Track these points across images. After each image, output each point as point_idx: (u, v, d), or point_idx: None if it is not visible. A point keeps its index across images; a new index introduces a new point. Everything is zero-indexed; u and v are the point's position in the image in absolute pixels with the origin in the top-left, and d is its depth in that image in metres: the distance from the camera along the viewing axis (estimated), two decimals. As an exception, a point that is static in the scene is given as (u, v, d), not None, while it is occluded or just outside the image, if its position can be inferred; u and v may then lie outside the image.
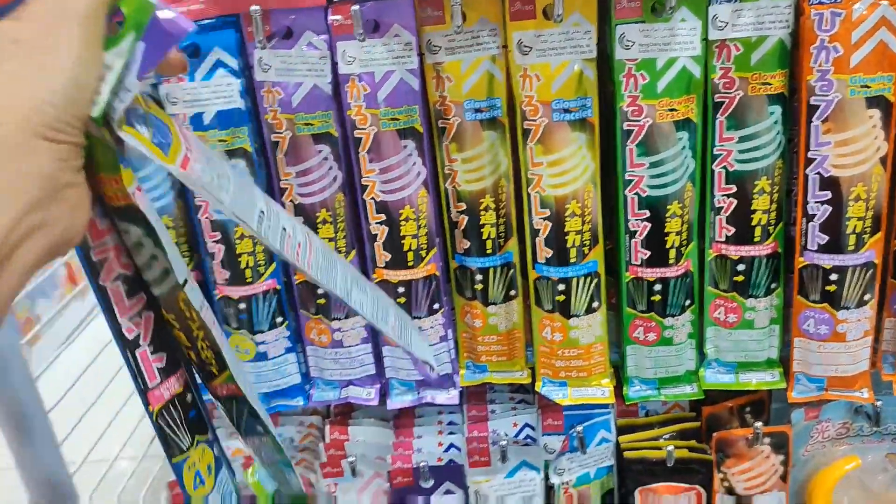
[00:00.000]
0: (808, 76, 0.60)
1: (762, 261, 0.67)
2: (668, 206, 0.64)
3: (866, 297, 0.65)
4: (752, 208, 0.65)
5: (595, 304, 0.70)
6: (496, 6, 0.61)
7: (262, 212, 0.40)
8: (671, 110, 0.61)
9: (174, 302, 0.41)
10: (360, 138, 0.65)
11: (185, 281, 0.40)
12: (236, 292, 0.71)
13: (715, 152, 0.64)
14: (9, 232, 0.28)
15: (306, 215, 0.69)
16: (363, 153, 0.65)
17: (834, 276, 0.65)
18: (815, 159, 0.62)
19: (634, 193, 0.64)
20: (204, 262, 0.71)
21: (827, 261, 0.64)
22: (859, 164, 0.61)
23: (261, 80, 0.64)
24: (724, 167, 0.64)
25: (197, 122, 0.64)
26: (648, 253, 0.66)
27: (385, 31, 0.62)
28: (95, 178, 0.35)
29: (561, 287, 0.69)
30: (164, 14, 0.33)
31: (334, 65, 0.63)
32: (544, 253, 0.68)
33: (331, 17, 0.61)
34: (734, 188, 0.65)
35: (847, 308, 0.65)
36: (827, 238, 0.63)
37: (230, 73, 0.63)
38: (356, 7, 0.56)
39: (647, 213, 0.65)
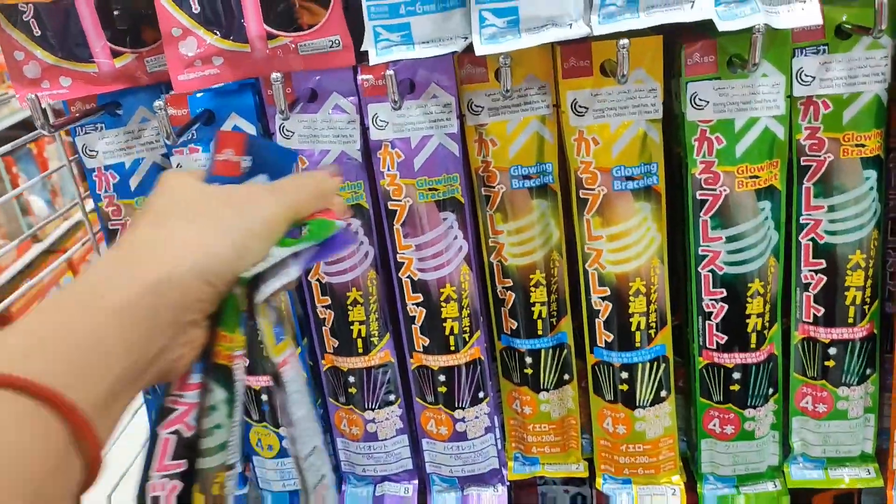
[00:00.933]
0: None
1: (856, 345, 0.59)
2: (749, 285, 0.57)
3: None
4: (845, 285, 0.57)
5: (663, 394, 0.62)
6: (545, 62, 0.55)
7: (315, 447, 0.43)
8: (752, 177, 0.54)
9: (211, 481, 0.40)
10: (395, 211, 0.58)
11: (233, 465, 0.40)
12: (257, 382, 0.64)
13: (801, 222, 0.56)
14: (146, 351, 0.32)
15: (335, 296, 0.62)
16: (398, 227, 0.59)
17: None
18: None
19: (709, 270, 0.56)
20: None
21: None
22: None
23: (283, 148, 0.58)
24: (813, 239, 0.56)
25: (213, 195, 0.58)
26: (726, 337, 0.58)
27: (421, 91, 0.56)
28: (213, 330, 0.37)
29: (624, 375, 0.61)
30: (340, 235, 0.40)
31: (364, 130, 0.57)
32: (604, 336, 0.60)
33: (360, 77, 0.55)
34: (823, 263, 0.57)
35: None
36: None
37: (249, 141, 0.57)
38: (390, 72, 0.49)
39: (724, 293, 0.57)
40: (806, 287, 0.58)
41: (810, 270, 0.57)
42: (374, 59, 0.50)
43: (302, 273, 0.37)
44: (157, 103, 0.51)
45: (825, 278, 0.57)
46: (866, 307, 0.58)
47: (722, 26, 0.47)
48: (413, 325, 0.62)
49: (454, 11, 0.48)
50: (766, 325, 0.58)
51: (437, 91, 0.55)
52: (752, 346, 0.58)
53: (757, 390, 0.60)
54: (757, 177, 0.54)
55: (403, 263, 0.60)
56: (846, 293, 0.57)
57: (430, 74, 0.55)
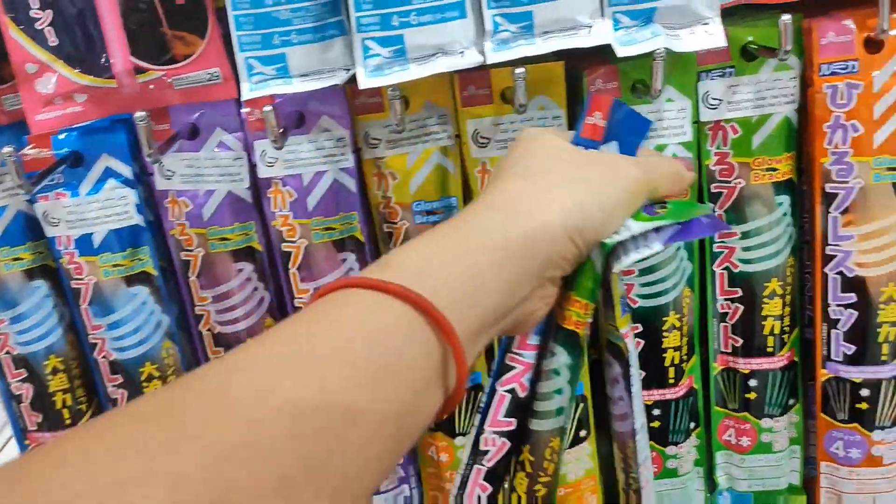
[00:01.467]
0: (821, 158, 0.51)
1: (777, 374, 0.57)
2: (665, 318, 0.54)
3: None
4: (762, 314, 0.55)
5: (583, 433, 0.59)
6: (444, 89, 0.52)
7: (643, 424, 0.43)
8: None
9: (544, 445, 0.41)
10: (290, 253, 0.54)
11: (562, 431, 0.41)
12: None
13: (715, 250, 0.54)
14: (511, 294, 0.33)
15: (229, 347, 0.57)
16: (294, 270, 0.55)
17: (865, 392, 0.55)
18: (835, 256, 0.52)
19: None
20: (104, 407, 0.59)
21: (856, 374, 0.54)
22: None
23: (163, 189, 0.54)
24: (727, 267, 0.54)
25: (85, 245, 0.53)
26: (643, 373, 0.56)
27: (312, 124, 0.52)
28: (563, 295, 0.38)
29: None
30: (704, 219, 0.39)
31: (252, 167, 0.53)
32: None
33: (244, 111, 0.51)
34: (739, 291, 0.55)
35: (882, 428, 0.56)
36: (854, 348, 0.54)
37: (123, 183, 0.52)
38: (268, 108, 0.45)
39: (641, 327, 0.55)
40: (723, 317, 0.56)
41: (726, 300, 0.55)
42: (246, 95, 0.46)
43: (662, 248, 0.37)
44: (6, 150, 0.46)
45: (742, 307, 0.55)
46: (785, 336, 0.56)
47: (621, 52, 0.44)
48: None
49: (334, 41, 0.45)
50: (684, 357, 0.56)
51: (328, 124, 0.52)
52: (671, 380, 0.56)
53: (678, 426, 0.58)
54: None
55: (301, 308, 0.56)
56: (764, 322, 0.55)
57: (320, 106, 0.51)
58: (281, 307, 0.57)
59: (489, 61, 0.45)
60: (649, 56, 0.45)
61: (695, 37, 0.45)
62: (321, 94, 0.50)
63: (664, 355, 0.55)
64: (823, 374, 0.56)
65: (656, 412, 0.57)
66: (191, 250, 0.55)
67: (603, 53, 0.47)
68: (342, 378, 0.27)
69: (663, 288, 0.54)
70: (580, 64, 0.51)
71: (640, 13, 0.45)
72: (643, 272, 0.53)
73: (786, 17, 0.45)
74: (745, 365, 0.57)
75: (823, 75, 0.49)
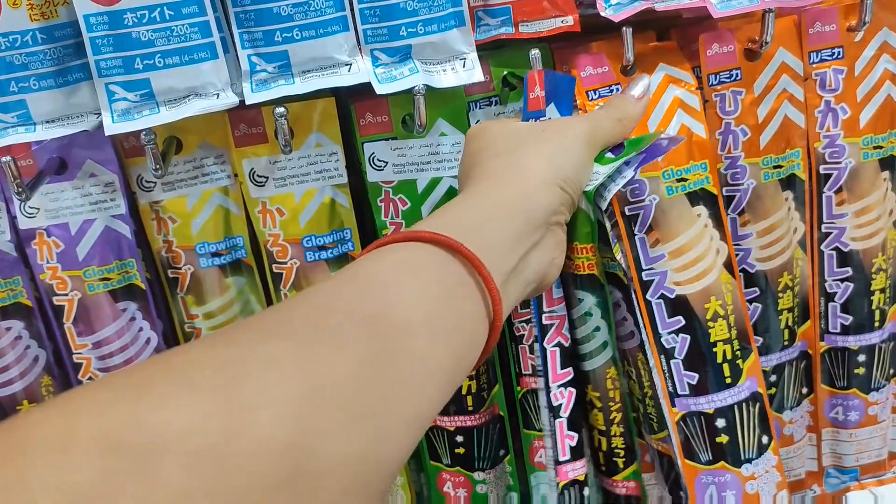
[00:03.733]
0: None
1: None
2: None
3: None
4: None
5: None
6: (219, 129, 0.52)
7: None
8: None
9: (603, 379, 0.46)
10: (62, 307, 0.52)
11: (614, 359, 0.46)
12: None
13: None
14: (522, 232, 0.39)
15: (4, 413, 0.54)
16: (69, 325, 0.53)
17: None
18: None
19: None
20: None
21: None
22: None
23: (-87, 247, 0.51)
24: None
25: None
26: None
27: (76, 170, 0.51)
28: (570, 247, 0.44)
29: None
30: (661, 141, 0.45)
31: (13, 219, 0.51)
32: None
33: (0, 161, 0.49)
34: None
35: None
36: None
37: None
38: (6, 158, 0.44)
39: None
40: (520, 339, 0.58)
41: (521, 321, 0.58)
42: (-16, 145, 0.44)
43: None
44: None
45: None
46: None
47: (380, 89, 0.46)
48: (103, 433, 0.55)
49: (80, 85, 0.44)
50: (486, 386, 0.58)
51: (94, 168, 0.51)
52: (470, 409, 0.58)
53: (485, 452, 0.60)
54: None
55: (81, 364, 0.54)
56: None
57: (84, 151, 0.50)
58: (59, 364, 0.55)
59: (248, 102, 0.45)
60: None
61: (454, 72, 0.48)
62: (84, 138, 0.49)
63: (470, 383, 0.57)
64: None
65: (459, 438, 0.59)
66: (-51, 311, 0.52)
67: (366, 96, 0.48)
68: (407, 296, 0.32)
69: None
70: (352, 97, 0.52)
71: (396, 50, 0.46)
72: None
73: (535, 52, 0.48)
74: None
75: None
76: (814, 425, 0.63)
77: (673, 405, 0.51)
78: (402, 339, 0.30)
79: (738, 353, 0.51)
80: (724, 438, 0.51)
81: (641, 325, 0.49)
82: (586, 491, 0.51)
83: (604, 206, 0.44)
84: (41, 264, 0.52)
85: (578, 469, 0.50)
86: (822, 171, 0.57)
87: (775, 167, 0.55)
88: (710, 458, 0.52)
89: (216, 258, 0.54)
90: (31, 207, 0.50)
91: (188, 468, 0.22)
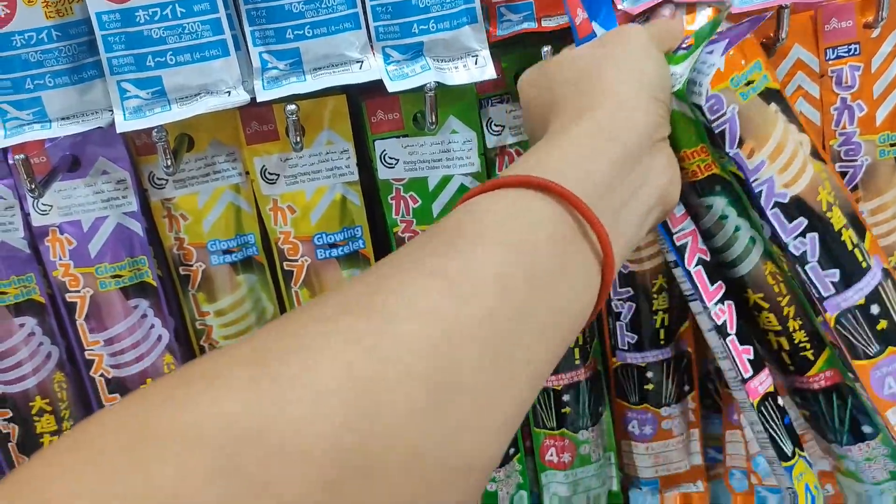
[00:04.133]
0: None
1: (586, 385, 0.60)
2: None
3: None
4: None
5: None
6: (231, 126, 0.52)
7: None
8: None
9: (762, 277, 0.43)
10: (75, 304, 0.53)
11: (766, 252, 0.43)
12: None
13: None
14: (632, 158, 0.36)
15: (17, 408, 0.55)
16: (81, 321, 0.53)
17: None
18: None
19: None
20: None
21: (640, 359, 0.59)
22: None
23: (-73, 244, 0.51)
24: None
25: None
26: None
27: (89, 168, 0.51)
28: (679, 158, 0.41)
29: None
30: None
31: (26, 216, 0.51)
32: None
33: (13, 158, 0.49)
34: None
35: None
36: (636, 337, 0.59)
37: None
38: (20, 156, 0.44)
39: None
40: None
41: None
42: (0, 142, 0.44)
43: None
44: None
45: None
46: (588, 347, 0.59)
47: (392, 87, 0.46)
48: (115, 430, 0.56)
49: (94, 83, 0.44)
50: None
51: (107, 166, 0.51)
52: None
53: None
54: None
55: (93, 361, 0.54)
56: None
57: (97, 148, 0.50)
58: (71, 360, 0.55)
59: (260, 100, 0.45)
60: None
61: (466, 69, 0.48)
62: (97, 136, 0.49)
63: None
64: (615, 362, 0.60)
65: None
66: (-38, 307, 0.52)
67: (383, 85, 0.48)
68: (507, 255, 0.30)
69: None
70: (363, 94, 0.52)
71: (408, 47, 0.47)
72: None
73: (546, 49, 0.48)
74: (556, 382, 0.60)
75: None
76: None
77: (825, 310, 0.48)
78: (501, 298, 0.28)
79: (857, 236, 0.48)
80: (882, 324, 0.49)
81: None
82: (780, 401, 0.48)
83: (701, 101, 0.41)
84: (54, 261, 0.52)
85: (765, 381, 0.47)
86: (837, 169, 0.56)
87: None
88: (879, 348, 0.49)
89: (227, 255, 0.55)
90: (44, 204, 0.51)
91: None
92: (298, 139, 0.47)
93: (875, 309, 0.47)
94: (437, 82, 0.47)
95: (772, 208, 0.45)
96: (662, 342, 0.59)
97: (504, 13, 0.48)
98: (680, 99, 0.41)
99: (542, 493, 0.63)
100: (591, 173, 0.34)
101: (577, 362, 0.59)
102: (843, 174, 0.56)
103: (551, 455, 0.62)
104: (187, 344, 0.57)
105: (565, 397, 0.60)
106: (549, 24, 0.49)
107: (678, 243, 0.44)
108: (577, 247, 0.32)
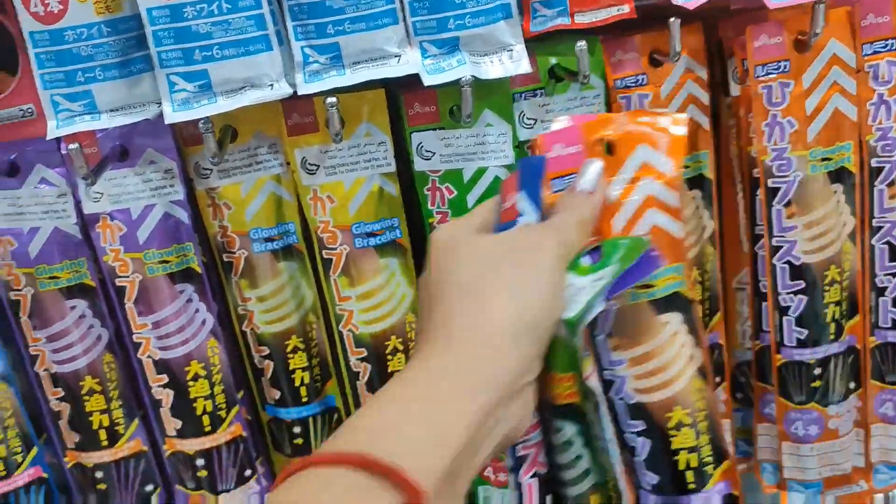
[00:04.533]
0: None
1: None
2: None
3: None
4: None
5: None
6: (273, 118, 0.54)
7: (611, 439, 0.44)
8: None
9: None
10: (124, 288, 0.55)
11: (604, 484, 0.43)
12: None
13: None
14: (486, 416, 0.34)
15: (68, 387, 0.58)
16: (129, 305, 0.56)
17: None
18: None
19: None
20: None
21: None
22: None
23: (-16, 230, 0.54)
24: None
25: None
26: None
27: (137, 157, 0.53)
28: (546, 376, 0.39)
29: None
30: (652, 252, 0.42)
31: (78, 203, 0.54)
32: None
33: (68, 148, 0.52)
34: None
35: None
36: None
37: (-60, 225, 0.53)
38: (74, 146, 0.47)
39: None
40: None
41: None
42: (52, 132, 0.47)
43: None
44: None
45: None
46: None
47: (428, 80, 0.47)
48: (161, 409, 0.58)
49: (142, 76, 0.46)
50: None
51: (154, 156, 0.53)
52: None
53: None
54: None
55: (141, 343, 0.57)
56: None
57: (145, 139, 0.53)
58: (120, 343, 0.58)
59: (301, 93, 0.47)
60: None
61: (500, 64, 0.49)
62: (145, 127, 0.52)
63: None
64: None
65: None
66: (20, 290, 0.55)
67: (414, 87, 0.50)
68: None
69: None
70: (401, 88, 0.53)
71: (445, 42, 0.48)
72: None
73: (581, 44, 0.49)
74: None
75: (617, 88, 0.54)
76: (861, 420, 0.62)
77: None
78: None
79: (706, 460, 0.48)
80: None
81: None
82: None
83: (580, 329, 0.39)
84: (104, 247, 0.54)
85: None
86: (874, 165, 0.56)
87: (824, 160, 0.55)
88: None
89: (269, 243, 0.57)
90: (96, 192, 0.53)
91: None
92: (339, 131, 0.48)
93: None
94: (473, 76, 0.48)
95: (619, 400, 0.46)
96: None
97: (538, 9, 0.49)
98: (568, 328, 0.38)
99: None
100: (441, 456, 0.32)
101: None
102: (880, 170, 0.56)
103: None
104: (230, 329, 0.60)
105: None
106: (583, 20, 0.50)
107: (519, 454, 0.44)
108: None
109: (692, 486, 0.47)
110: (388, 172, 0.54)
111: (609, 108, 0.55)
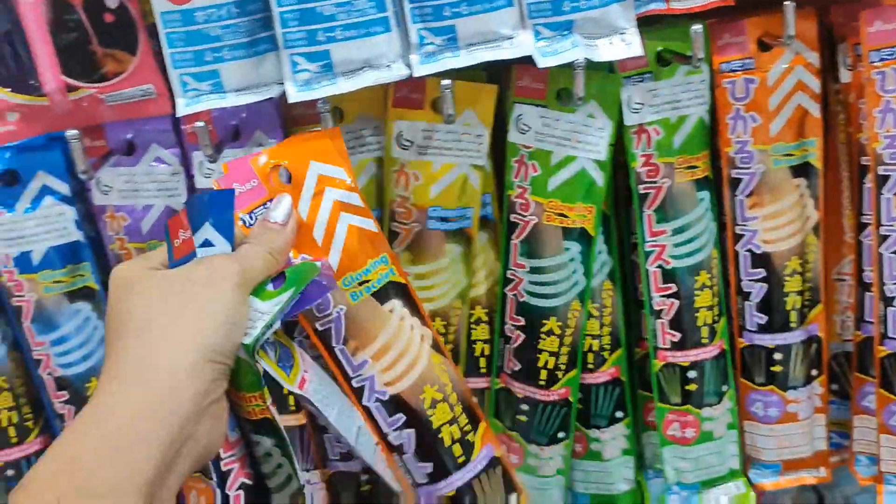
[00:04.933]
0: (726, 148, 0.56)
1: (712, 364, 0.61)
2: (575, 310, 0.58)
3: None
4: (694, 307, 0.59)
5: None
6: (379, 100, 0.55)
7: (360, 427, 0.48)
8: (561, 216, 0.56)
9: None
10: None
11: (304, 486, 0.47)
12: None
13: (647, 249, 0.58)
14: (172, 442, 0.36)
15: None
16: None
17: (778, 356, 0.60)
18: (744, 235, 0.58)
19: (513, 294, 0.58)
20: (52, 424, 0.61)
21: (769, 341, 0.60)
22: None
23: (102, 205, 0.56)
24: (660, 265, 0.58)
25: (24, 262, 0.55)
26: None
27: (247, 138, 0.55)
28: (237, 395, 0.41)
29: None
30: (322, 276, 0.44)
31: (191, 180, 0.55)
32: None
33: (195, 125, 0.53)
34: (673, 287, 0.59)
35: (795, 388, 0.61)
36: (766, 318, 0.60)
37: (60, 200, 0.55)
38: (200, 123, 0.48)
39: (523, 322, 0.59)
40: (659, 314, 0.60)
41: (661, 297, 0.59)
42: (182, 111, 0.48)
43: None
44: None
45: (677, 302, 0.59)
46: (716, 325, 0.60)
47: (542, 63, 0.48)
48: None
49: (266, 56, 0.48)
50: (605, 347, 0.60)
51: (263, 139, 0.55)
52: (590, 366, 0.60)
53: (600, 411, 0.62)
54: (566, 216, 0.56)
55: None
56: (696, 314, 0.59)
57: (253, 119, 0.54)
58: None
59: (416, 74, 0.48)
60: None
61: (613, 47, 0.49)
62: (254, 108, 0.53)
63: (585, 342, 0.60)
64: (741, 343, 0.61)
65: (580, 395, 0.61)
66: (131, 265, 0.57)
67: (530, 61, 0.50)
68: None
69: (557, 291, 0.57)
70: (507, 73, 0.54)
71: (559, 25, 0.48)
72: (534, 270, 0.57)
73: (696, 28, 0.49)
74: (683, 358, 0.61)
75: (723, 72, 0.54)
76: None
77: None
78: None
79: (466, 428, 0.51)
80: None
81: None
82: None
83: (255, 351, 0.41)
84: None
85: None
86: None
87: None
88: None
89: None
90: (209, 169, 0.55)
91: None
92: (452, 113, 0.49)
93: (467, 501, 0.51)
94: (586, 58, 0.48)
95: (374, 402, 0.48)
96: (793, 325, 0.59)
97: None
98: (246, 352, 0.40)
99: (664, 467, 0.64)
100: (136, 492, 0.34)
101: (705, 340, 0.60)
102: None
103: (674, 430, 0.63)
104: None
105: (691, 374, 0.61)
106: (679, 5, 0.50)
107: (224, 468, 0.48)
108: None
109: (462, 458, 0.51)
110: (478, 165, 0.55)
111: (713, 93, 0.55)
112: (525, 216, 0.56)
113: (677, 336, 0.60)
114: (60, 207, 0.55)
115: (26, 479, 0.35)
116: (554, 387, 0.59)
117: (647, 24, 0.51)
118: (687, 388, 0.62)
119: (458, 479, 0.51)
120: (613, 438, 0.63)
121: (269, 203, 0.46)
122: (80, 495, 0.33)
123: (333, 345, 0.47)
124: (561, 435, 0.61)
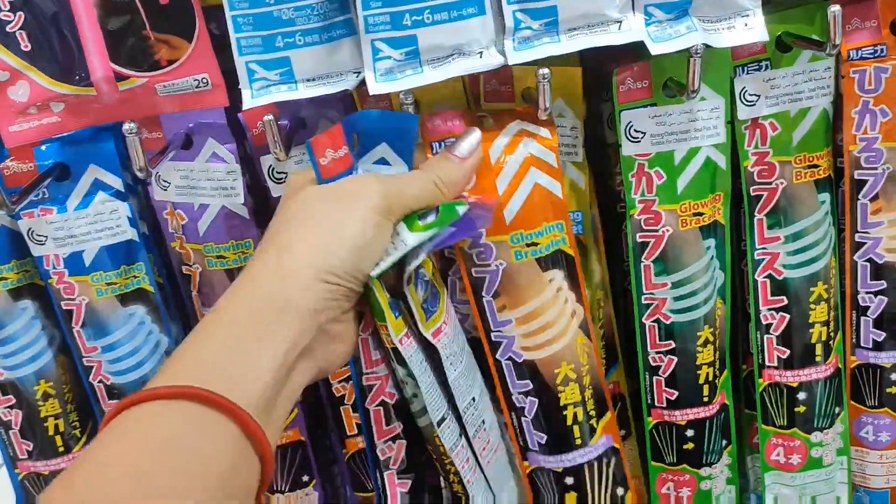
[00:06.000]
0: (850, 145, 0.50)
1: (825, 384, 0.55)
2: (699, 333, 0.53)
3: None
4: (809, 322, 0.54)
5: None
6: (459, 91, 0.50)
7: (474, 399, 0.47)
8: (696, 215, 0.50)
9: (430, 438, 0.45)
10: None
11: (441, 421, 0.45)
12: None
13: (756, 257, 0.53)
14: (287, 353, 0.37)
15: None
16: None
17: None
18: (865, 243, 0.53)
19: (654, 321, 0.52)
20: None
21: (885, 359, 0.55)
22: None
23: (161, 201, 0.52)
24: (770, 275, 0.53)
25: (76, 264, 0.52)
26: (676, 392, 0.54)
27: (313, 129, 0.50)
28: (371, 318, 0.42)
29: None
30: (475, 214, 0.43)
31: (255, 174, 0.51)
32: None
33: (263, 119, 0.48)
34: (785, 300, 0.53)
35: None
36: (883, 335, 0.54)
37: (113, 196, 0.51)
38: (269, 116, 0.44)
39: (673, 344, 0.53)
40: (767, 329, 0.54)
41: (770, 310, 0.54)
42: (248, 103, 0.44)
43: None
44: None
45: (787, 316, 0.54)
46: (831, 342, 0.55)
47: (655, 49, 0.43)
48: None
49: (342, 42, 0.43)
50: (717, 374, 0.54)
51: (327, 127, 0.50)
52: (705, 398, 0.54)
53: (712, 446, 0.56)
54: (701, 214, 0.50)
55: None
56: (810, 330, 0.54)
57: (321, 110, 0.50)
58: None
59: (510, 62, 0.43)
60: (683, 52, 0.43)
61: (734, 31, 0.44)
62: (325, 102, 0.48)
63: (698, 372, 0.54)
64: (853, 361, 0.56)
65: (690, 433, 0.55)
66: (189, 265, 0.54)
67: (626, 47, 0.45)
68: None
69: (697, 301, 0.52)
70: (605, 61, 0.49)
71: (674, 5, 0.43)
72: (676, 285, 0.51)
73: (835, 8, 0.43)
74: (792, 378, 0.55)
75: (851, 59, 0.48)
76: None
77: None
78: None
79: (591, 413, 0.50)
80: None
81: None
82: None
83: (405, 286, 0.41)
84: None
85: None
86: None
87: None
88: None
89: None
90: (279, 172, 0.50)
91: None
92: (549, 106, 0.44)
93: (569, 480, 0.51)
94: (704, 44, 0.43)
95: (507, 360, 0.48)
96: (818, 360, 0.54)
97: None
98: (374, 285, 0.40)
99: (763, 494, 0.59)
100: (254, 370, 0.36)
101: (819, 359, 0.54)
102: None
103: (777, 455, 0.58)
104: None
105: (801, 395, 0.55)
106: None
107: (365, 383, 0.46)
108: (245, 464, 0.35)
109: (579, 441, 0.50)
110: (576, 161, 0.50)
111: (838, 83, 0.50)
112: (657, 230, 0.50)
113: (786, 353, 0.55)
114: (113, 204, 0.51)
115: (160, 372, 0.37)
116: (715, 399, 0.55)
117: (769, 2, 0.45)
118: (796, 409, 0.56)
119: (569, 459, 0.50)
120: (721, 473, 0.58)
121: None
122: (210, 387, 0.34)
123: (483, 294, 0.47)
124: (724, 443, 0.57)
